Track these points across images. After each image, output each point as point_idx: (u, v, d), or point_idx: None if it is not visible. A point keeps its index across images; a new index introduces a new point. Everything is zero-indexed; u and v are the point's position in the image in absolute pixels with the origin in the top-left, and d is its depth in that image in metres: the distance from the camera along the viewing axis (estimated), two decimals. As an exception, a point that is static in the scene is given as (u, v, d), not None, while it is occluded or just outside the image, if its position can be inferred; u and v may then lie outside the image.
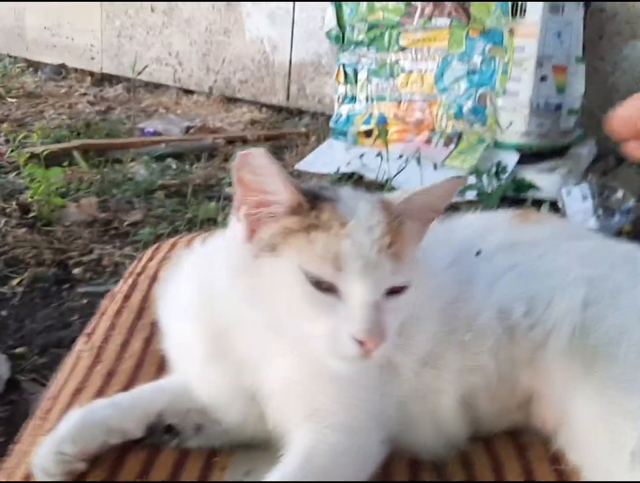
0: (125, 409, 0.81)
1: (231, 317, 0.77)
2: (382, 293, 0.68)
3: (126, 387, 0.92)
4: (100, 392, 0.91)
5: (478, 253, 0.87)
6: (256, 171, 0.69)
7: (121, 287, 1.19)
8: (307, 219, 0.69)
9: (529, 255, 0.88)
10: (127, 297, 1.15)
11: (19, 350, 1.97)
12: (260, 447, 0.82)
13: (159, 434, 0.83)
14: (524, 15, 2.75)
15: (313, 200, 0.71)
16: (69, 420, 0.78)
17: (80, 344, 1.06)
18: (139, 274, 1.22)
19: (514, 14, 2.76)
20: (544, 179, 2.53)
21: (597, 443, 0.75)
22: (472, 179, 2.52)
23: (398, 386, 0.80)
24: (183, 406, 0.85)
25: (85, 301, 2.18)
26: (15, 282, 2.30)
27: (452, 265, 0.86)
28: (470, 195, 2.37)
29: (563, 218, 1.92)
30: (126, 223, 2.75)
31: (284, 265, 0.68)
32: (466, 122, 2.93)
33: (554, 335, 0.80)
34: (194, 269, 0.87)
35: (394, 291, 0.69)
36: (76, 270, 2.41)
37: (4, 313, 2.16)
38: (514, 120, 2.84)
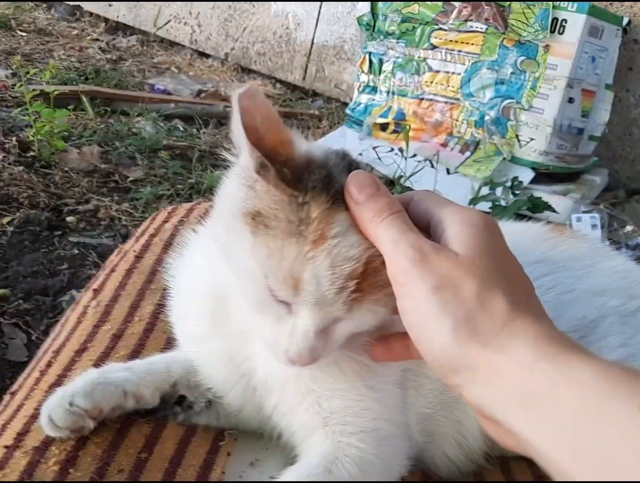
0: (141, 375, 0.77)
1: (227, 285, 0.71)
2: (330, 321, 0.62)
3: (134, 351, 0.87)
4: (106, 353, 0.86)
5: None
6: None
7: (132, 246, 1.13)
8: (288, 209, 0.58)
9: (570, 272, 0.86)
10: (138, 258, 1.09)
11: (1, 291, 1.90)
12: (267, 437, 0.78)
13: (170, 405, 0.80)
14: (563, 32, 2.70)
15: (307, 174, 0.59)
16: (86, 377, 0.74)
17: (85, 299, 1.00)
18: (153, 236, 1.15)
19: (552, 29, 2.71)
20: (555, 201, 2.49)
21: None
22: (485, 190, 2.48)
23: (424, 397, 0.77)
24: (196, 379, 0.80)
25: (76, 251, 2.11)
26: (5, 220, 2.22)
27: None
28: (483, 206, 2.32)
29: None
30: (128, 179, 2.68)
31: (253, 256, 0.60)
32: (486, 131, 2.88)
33: None
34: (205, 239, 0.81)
35: None
36: (70, 218, 2.33)
37: (-10, 250, 2.08)
38: (535, 138, 2.80)
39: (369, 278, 0.59)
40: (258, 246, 0.59)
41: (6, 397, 0.84)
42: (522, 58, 2.81)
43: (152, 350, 0.87)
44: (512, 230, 0.93)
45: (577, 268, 0.88)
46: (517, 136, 2.83)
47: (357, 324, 0.63)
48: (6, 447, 0.70)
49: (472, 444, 0.79)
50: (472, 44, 2.90)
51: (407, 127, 2.77)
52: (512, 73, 2.83)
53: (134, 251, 1.10)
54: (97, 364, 0.82)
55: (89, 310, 0.96)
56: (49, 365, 0.85)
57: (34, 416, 0.74)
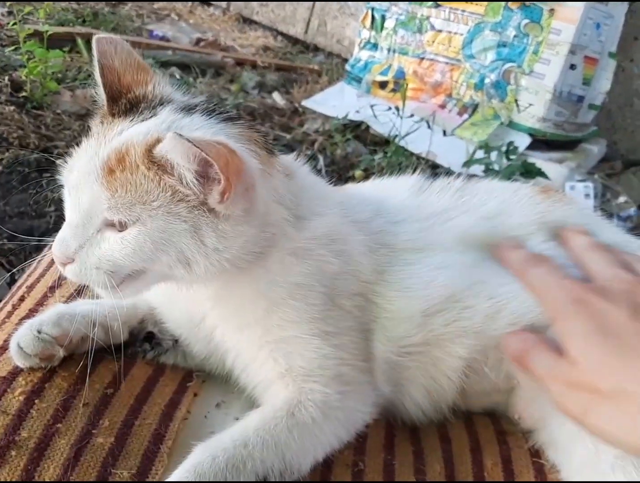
0: (109, 308, 0.78)
1: None
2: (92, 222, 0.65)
3: (107, 291, 0.87)
4: (78, 291, 0.86)
5: None
6: None
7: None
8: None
9: None
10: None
11: (-13, 230, 1.89)
12: (234, 381, 0.79)
13: (139, 342, 0.81)
14: (570, -3, 2.65)
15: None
16: (54, 309, 0.76)
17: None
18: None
19: (558, -7, 2.66)
20: (550, 169, 2.47)
21: (579, 452, 0.71)
22: (480, 153, 2.46)
23: (391, 344, 0.76)
24: (161, 319, 0.82)
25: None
26: (-6, 159, 2.20)
27: None
28: (477, 169, 2.31)
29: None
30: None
31: None
32: (485, 94, 2.84)
33: None
34: None
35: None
36: (60, 161, 2.31)
37: (-23, 188, 2.07)
38: (534, 103, 2.76)
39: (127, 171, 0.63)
40: None
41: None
42: (526, 21, 2.75)
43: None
44: (502, 189, 0.92)
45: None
46: (516, 101, 2.80)
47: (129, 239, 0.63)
48: (-26, 375, 0.71)
49: (444, 391, 0.79)
50: (476, 4, 2.85)
51: (405, 85, 2.73)
52: (515, 36, 2.78)
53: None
54: (68, 301, 0.83)
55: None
56: (21, 299, 0.85)
57: (3, 347, 0.75)
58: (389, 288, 0.76)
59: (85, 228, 0.64)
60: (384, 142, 2.68)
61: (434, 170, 2.64)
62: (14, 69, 2.81)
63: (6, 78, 2.62)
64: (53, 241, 0.68)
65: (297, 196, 0.73)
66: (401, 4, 3.08)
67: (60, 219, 2.15)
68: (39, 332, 0.72)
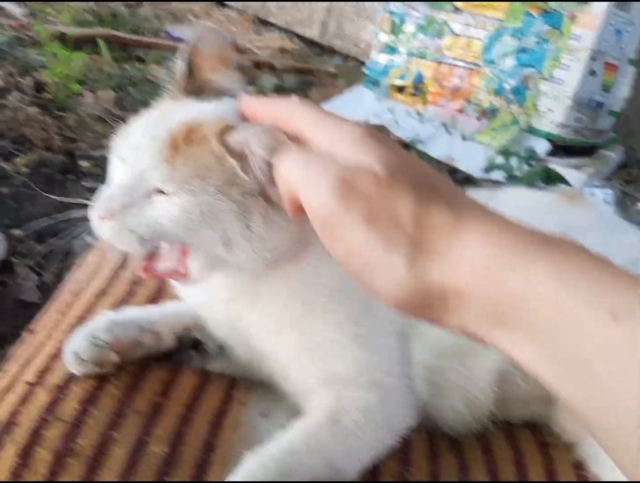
0: (155, 315, 0.81)
1: None
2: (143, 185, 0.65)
3: (152, 298, 0.89)
4: (125, 299, 0.88)
5: None
6: None
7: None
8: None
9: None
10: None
11: (15, 232, 1.91)
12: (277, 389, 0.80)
13: (186, 349, 0.82)
14: (590, 2, 2.64)
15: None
16: (104, 316, 0.77)
17: (104, 244, 1.00)
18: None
19: (579, -1, 2.66)
20: (569, 175, 2.48)
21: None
22: (499, 159, 2.46)
23: (429, 347, 0.77)
24: (205, 326, 0.82)
25: (89, 196, 2.11)
26: (20, 161, 2.22)
27: None
28: (497, 175, 2.31)
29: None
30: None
31: None
32: (504, 99, 2.84)
33: None
34: None
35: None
36: (83, 163, 2.33)
37: (4, 190, 2.09)
38: (553, 109, 2.76)
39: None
40: None
41: (25, 335, 0.86)
42: (547, 27, 2.75)
43: (170, 297, 0.88)
44: (525, 196, 0.93)
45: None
46: (535, 106, 2.80)
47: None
48: (28, 383, 0.72)
49: (481, 401, 0.79)
50: (497, 10, 2.85)
51: (426, 90, 2.73)
52: (535, 42, 2.78)
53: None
54: (115, 308, 0.84)
55: (107, 254, 0.97)
56: (68, 306, 0.87)
57: (56, 355, 0.76)
58: None
59: (135, 189, 0.65)
60: (404, 146, 2.68)
61: (453, 174, 2.65)
62: (35, 70, 2.83)
63: (29, 79, 2.64)
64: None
65: None
66: (420, 8, 3.08)
67: (87, 220, 2.16)
68: (93, 337, 0.73)
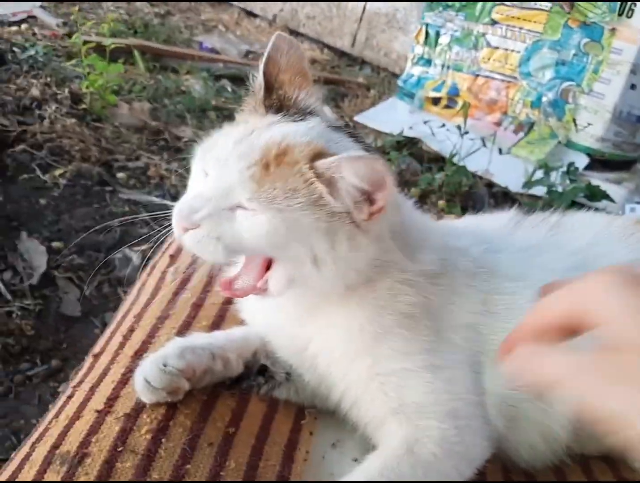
0: (223, 340, 0.79)
1: None
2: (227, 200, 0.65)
3: (214, 323, 0.87)
4: (188, 322, 0.86)
5: None
6: None
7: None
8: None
9: None
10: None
11: (55, 244, 1.91)
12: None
13: (253, 376, 0.80)
14: (632, 16, 2.60)
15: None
16: (174, 343, 0.76)
17: (162, 264, 0.99)
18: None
19: (620, 12, 2.61)
20: (609, 190, 2.43)
21: None
22: (539, 173, 2.42)
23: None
24: (272, 352, 0.81)
25: (126, 208, 2.11)
26: (58, 172, 2.23)
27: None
28: (538, 190, 2.27)
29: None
30: (180, 139, 2.66)
31: None
32: (542, 113, 2.81)
33: None
34: None
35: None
36: (120, 174, 2.33)
37: (42, 201, 2.09)
38: (592, 123, 2.72)
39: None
40: None
41: (89, 359, 0.85)
42: (586, 40, 2.72)
43: (231, 322, 0.87)
44: (598, 221, 0.91)
45: None
46: (574, 120, 2.76)
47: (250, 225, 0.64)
48: (97, 411, 0.71)
49: (558, 435, 0.76)
50: (535, 22, 2.81)
51: (467, 103, 2.71)
52: (574, 55, 2.74)
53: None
54: (179, 332, 0.83)
55: (168, 276, 0.96)
56: (131, 330, 0.85)
57: (122, 382, 0.75)
58: (493, 319, 0.75)
59: (218, 202, 0.65)
60: (440, 160, 2.65)
61: (490, 189, 2.61)
62: (71, 81, 2.84)
63: (66, 90, 2.65)
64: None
65: (407, 228, 0.73)
66: (456, 20, 3.05)
67: (124, 234, 2.14)
68: (165, 365, 0.71)
